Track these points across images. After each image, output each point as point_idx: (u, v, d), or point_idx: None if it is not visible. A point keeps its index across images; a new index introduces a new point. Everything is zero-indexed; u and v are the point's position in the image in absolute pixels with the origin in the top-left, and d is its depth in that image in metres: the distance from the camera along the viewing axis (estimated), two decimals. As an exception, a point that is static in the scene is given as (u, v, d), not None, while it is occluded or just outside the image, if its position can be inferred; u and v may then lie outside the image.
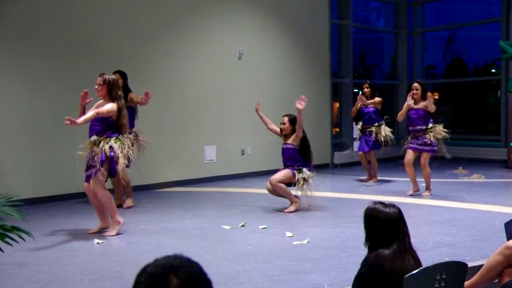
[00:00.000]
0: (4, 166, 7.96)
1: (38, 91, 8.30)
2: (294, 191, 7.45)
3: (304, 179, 7.24)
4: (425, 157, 8.24)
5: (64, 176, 8.36)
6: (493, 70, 14.68)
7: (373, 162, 10.04)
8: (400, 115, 8.54)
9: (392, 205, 3.07)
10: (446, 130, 8.28)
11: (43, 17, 8.37)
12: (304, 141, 7.34)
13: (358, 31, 14.58)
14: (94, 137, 5.99)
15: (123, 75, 7.79)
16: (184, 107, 10.03)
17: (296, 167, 7.30)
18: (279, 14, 11.58)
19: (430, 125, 8.25)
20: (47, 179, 8.33)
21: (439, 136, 8.23)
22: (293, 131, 7.37)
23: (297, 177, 7.23)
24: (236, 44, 10.82)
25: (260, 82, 11.17)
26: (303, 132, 7.37)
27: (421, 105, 8.22)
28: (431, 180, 8.43)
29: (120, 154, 5.97)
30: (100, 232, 6.16)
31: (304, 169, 7.29)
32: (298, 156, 7.33)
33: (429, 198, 8.12)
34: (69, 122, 5.75)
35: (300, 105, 7.19)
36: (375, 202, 3.10)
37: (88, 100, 6.10)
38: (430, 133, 8.19)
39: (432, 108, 8.12)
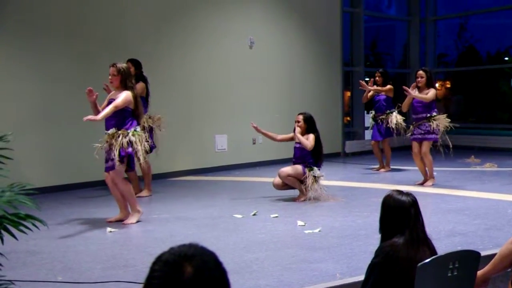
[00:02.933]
0: (18, 155, 7.97)
1: (52, 80, 8.33)
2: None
3: (315, 178, 7.19)
4: (426, 145, 8.14)
5: (78, 165, 8.41)
6: (506, 58, 14.54)
7: (387, 151, 9.99)
8: (404, 106, 8.50)
9: (408, 194, 3.03)
10: (449, 120, 8.18)
11: (56, 6, 8.38)
12: (317, 142, 7.26)
13: (370, 19, 14.47)
14: (112, 130, 5.95)
15: (135, 63, 7.66)
16: (195, 96, 10.02)
17: (306, 165, 7.24)
18: (290, 2, 11.52)
19: (434, 113, 8.16)
20: (61, 168, 8.38)
21: (441, 127, 8.11)
22: (307, 129, 7.29)
23: (307, 174, 7.18)
24: (247, 33, 10.78)
25: (271, 70, 11.14)
26: (317, 132, 7.31)
27: (425, 93, 8.13)
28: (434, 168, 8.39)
29: (139, 147, 5.96)
30: (118, 222, 6.15)
31: (315, 168, 7.24)
32: (308, 156, 7.26)
33: (442, 187, 8.07)
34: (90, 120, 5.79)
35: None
36: (393, 190, 3.09)
37: (94, 96, 5.96)
38: (433, 121, 8.11)
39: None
